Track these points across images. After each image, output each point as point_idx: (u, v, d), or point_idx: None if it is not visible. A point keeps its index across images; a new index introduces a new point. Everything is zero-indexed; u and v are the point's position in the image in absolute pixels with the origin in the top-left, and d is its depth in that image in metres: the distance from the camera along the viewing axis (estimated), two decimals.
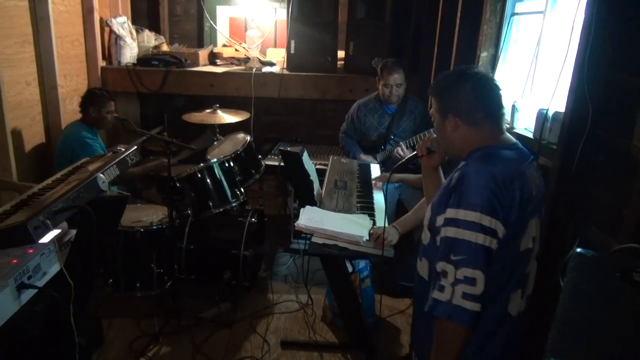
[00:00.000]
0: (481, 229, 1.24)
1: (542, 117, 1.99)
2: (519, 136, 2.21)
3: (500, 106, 1.41)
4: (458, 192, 1.28)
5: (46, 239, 1.51)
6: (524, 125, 2.34)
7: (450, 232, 1.27)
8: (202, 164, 2.87)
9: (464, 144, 1.42)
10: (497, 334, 1.39)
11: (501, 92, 1.41)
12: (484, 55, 2.73)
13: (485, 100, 1.38)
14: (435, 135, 1.58)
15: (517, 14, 2.66)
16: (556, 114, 1.93)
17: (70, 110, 3.51)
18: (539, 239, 1.43)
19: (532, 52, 2.42)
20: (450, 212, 1.28)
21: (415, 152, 1.73)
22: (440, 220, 1.33)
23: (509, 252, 1.31)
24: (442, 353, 1.31)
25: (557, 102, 1.98)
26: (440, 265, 1.28)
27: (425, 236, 1.46)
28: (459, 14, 2.89)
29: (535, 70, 2.41)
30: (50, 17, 3.20)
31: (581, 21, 1.70)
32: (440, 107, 1.44)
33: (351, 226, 2.09)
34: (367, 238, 2.03)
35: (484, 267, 1.24)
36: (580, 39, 1.70)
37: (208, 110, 3.56)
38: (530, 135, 2.16)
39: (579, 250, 0.99)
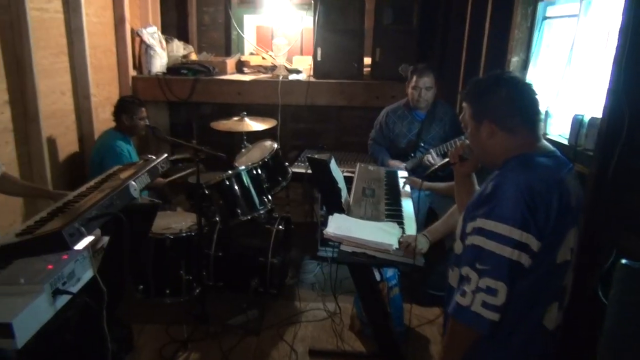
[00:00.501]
0: (509, 242, 1.22)
1: (577, 123, 1.94)
2: (553, 142, 2.14)
3: (537, 112, 1.37)
4: (491, 202, 1.26)
5: (80, 245, 1.54)
6: (558, 131, 2.28)
7: (477, 240, 1.26)
8: (230, 172, 2.89)
9: (499, 151, 1.38)
10: (531, 348, 1.35)
11: (538, 97, 1.37)
12: (514, 60, 2.67)
13: (522, 105, 1.35)
14: (467, 142, 1.54)
15: (549, 17, 2.60)
16: (592, 119, 1.88)
17: (102, 119, 3.59)
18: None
19: (565, 56, 2.37)
20: (480, 222, 1.27)
21: (447, 160, 1.70)
22: (469, 227, 1.31)
23: (545, 264, 1.27)
24: (451, 350, 1.35)
25: (593, 107, 1.92)
26: (465, 270, 1.28)
27: (458, 246, 1.43)
28: (488, 19, 2.85)
29: (569, 74, 2.35)
30: (84, 28, 3.29)
31: (617, 24, 1.65)
32: (475, 113, 1.41)
33: (380, 234, 2.07)
34: (397, 246, 2.01)
35: (508, 280, 1.22)
36: (617, 41, 1.65)
37: (236, 118, 3.60)
38: (565, 142, 2.10)
39: (624, 261, 0.95)
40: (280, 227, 3.05)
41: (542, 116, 1.42)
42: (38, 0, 2.89)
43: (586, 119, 1.92)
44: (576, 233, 1.35)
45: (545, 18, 2.61)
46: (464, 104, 1.46)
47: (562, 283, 1.36)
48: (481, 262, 1.24)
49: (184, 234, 2.86)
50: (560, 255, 1.30)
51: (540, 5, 2.59)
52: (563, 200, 1.26)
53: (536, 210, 1.22)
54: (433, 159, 2.95)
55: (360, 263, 2.03)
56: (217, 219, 2.97)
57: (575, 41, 2.29)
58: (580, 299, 1.63)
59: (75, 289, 1.53)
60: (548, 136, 2.26)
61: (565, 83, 2.38)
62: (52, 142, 3.10)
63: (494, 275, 1.22)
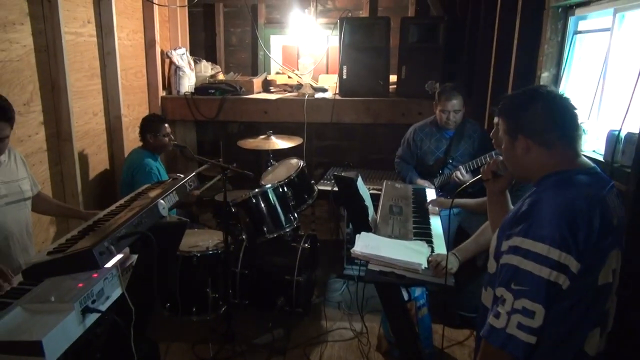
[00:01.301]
0: (547, 262, 1.16)
1: (613, 139, 1.87)
2: (588, 159, 2.08)
3: (576, 126, 1.31)
4: (528, 220, 1.21)
5: (110, 263, 1.55)
6: (592, 147, 2.21)
7: (514, 260, 1.20)
8: (256, 190, 2.90)
9: (536, 167, 1.33)
10: None
11: (576, 111, 1.31)
12: (544, 75, 2.62)
13: (559, 120, 1.30)
14: (501, 158, 1.50)
15: (580, 32, 2.55)
16: (629, 134, 1.82)
17: (132, 139, 3.67)
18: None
19: (598, 71, 2.31)
20: (517, 241, 1.21)
21: (479, 176, 1.65)
22: (505, 246, 1.26)
23: (585, 286, 1.20)
24: None
25: (630, 122, 1.86)
26: (499, 291, 1.22)
27: (491, 265, 1.38)
28: (516, 35, 2.81)
29: (603, 89, 2.29)
30: (117, 51, 3.39)
31: None
32: (510, 128, 1.36)
33: (409, 253, 2.03)
34: (426, 266, 1.96)
35: (545, 302, 1.16)
36: None
37: (262, 136, 3.63)
38: (600, 158, 2.03)
39: None
40: (306, 245, 3.03)
41: (583, 130, 1.35)
42: (73, 25, 3.00)
43: (622, 134, 1.85)
44: (619, 254, 1.29)
45: (577, 32, 2.56)
46: (499, 119, 1.42)
47: (604, 307, 1.29)
48: (517, 283, 1.19)
49: (211, 252, 2.87)
50: (602, 278, 1.23)
51: (571, 20, 2.54)
52: (605, 220, 1.20)
53: (577, 230, 1.17)
54: (462, 175, 2.90)
55: (389, 282, 1.98)
56: (244, 236, 2.97)
57: (609, 55, 2.23)
58: (625, 325, 1.55)
59: (104, 307, 1.53)
60: (582, 153, 2.19)
61: (599, 98, 2.32)
62: (84, 161, 3.18)
63: (531, 297, 1.16)
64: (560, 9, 2.56)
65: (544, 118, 1.30)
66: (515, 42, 2.82)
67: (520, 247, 1.20)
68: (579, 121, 1.33)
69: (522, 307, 1.17)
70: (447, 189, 3.14)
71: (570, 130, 1.31)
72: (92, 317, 1.48)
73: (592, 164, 1.33)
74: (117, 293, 1.62)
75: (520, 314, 1.17)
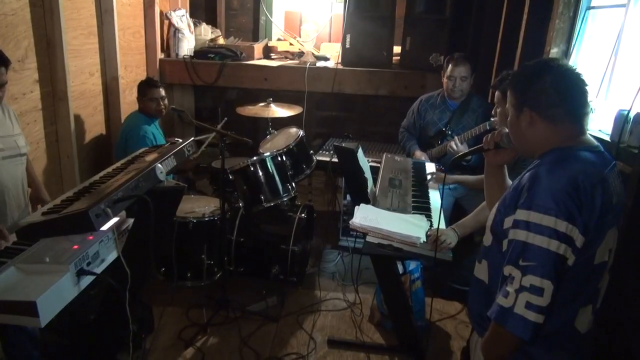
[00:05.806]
0: (555, 234, 1.14)
1: (622, 119, 1.84)
2: (594, 139, 2.05)
3: (584, 103, 1.28)
4: (531, 192, 1.18)
5: (106, 226, 1.53)
6: (599, 127, 2.18)
7: (520, 235, 1.18)
8: (255, 157, 2.87)
9: (539, 142, 1.31)
10: (562, 350, 1.29)
11: (587, 87, 1.28)
12: (554, 51, 2.56)
13: (567, 95, 1.26)
14: (506, 131, 1.47)
15: (593, 7, 2.48)
16: (639, 115, 1.78)
17: (129, 101, 3.60)
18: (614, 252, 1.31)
19: (609, 48, 2.25)
20: (521, 214, 1.18)
21: (480, 145, 1.61)
22: (508, 222, 1.23)
23: (582, 263, 1.19)
24: (490, 355, 1.28)
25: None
26: (507, 269, 1.20)
27: (487, 238, 1.37)
28: (526, 9, 2.74)
29: (614, 68, 2.24)
30: (114, 9, 3.28)
31: None
32: (516, 100, 1.33)
33: (407, 227, 2.02)
34: (424, 240, 1.95)
35: (555, 277, 1.14)
36: None
37: (261, 104, 3.57)
38: (607, 138, 2.00)
39: None
40: (303, 215, 3.02)
41: (590, 109, 1.31)
42: None
43: (632, 114, 1.82)
44: (615, 234, 1.28)
45: (589, 8, 2.49)
46: (508, 92, 1.38)
47: (597, 285, 1.29)
48: (525, 258, 1.16)
49: (207, 219, 2.85)
50: (599, 256, 1.23)
51: None
52: (605, 198, 1.19)
53: (581, 204, 1.15)
54: (456, 145, 2.87)
55: (387, 255, 1.98)
56: (240, 204, 2.95)
57: (623, 32, 2.17)
58: (619, 304, 1.55)
59: (99, 269, 1.52)
60: (588, 132, 2.16)
61: (610, 76, 2.27)
62: (80, 122, 3.12)
63: (539, 272, 1.14)
64: None
65: (551, 92, 1.26)
66: (525, 16, 2.75)
67: (526, 220, 1.17)
68: (589, 98, 1.29)
69: (530, 284, 1.14)
70: (443, 161, 3.12)
71: (577, 107, 1.28)
72: (87, 280, 1.48)
73: (596, 143, 1.31)
74: (112, 256, 1.61)
75: (527, 292, 1.14)
